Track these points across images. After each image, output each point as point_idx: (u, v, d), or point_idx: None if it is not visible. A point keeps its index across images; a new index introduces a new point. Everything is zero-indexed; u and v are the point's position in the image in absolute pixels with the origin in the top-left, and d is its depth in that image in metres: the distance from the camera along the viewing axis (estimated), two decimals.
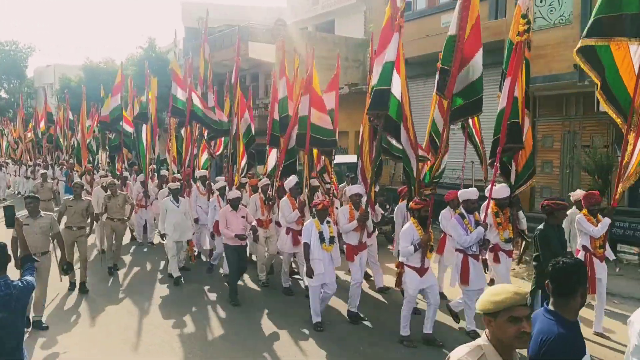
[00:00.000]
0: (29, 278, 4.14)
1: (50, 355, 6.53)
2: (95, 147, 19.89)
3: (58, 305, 8.43)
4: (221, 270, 10.23)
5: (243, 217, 8.65)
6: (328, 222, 7.52)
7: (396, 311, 7.09)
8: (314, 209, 7.65)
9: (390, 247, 12.05)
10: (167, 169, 14.06)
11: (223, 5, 32.53)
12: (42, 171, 17.16)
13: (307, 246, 7.31)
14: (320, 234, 7.33)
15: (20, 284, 4.02)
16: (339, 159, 14.80)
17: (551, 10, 12.28)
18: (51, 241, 7.65)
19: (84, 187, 15.07)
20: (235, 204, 8.61)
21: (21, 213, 7.05)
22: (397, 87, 7.26)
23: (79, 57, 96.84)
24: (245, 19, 28.70)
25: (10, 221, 4.70)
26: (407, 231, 6.68)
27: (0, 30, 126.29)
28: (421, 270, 6.71)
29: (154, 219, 12.80)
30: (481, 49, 6.72)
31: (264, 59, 22.13)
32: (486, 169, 9.04)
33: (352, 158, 11.60)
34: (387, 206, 11.89)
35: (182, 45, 33.48)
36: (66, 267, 7.85)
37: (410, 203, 7.01)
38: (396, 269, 7.07)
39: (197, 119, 11.63)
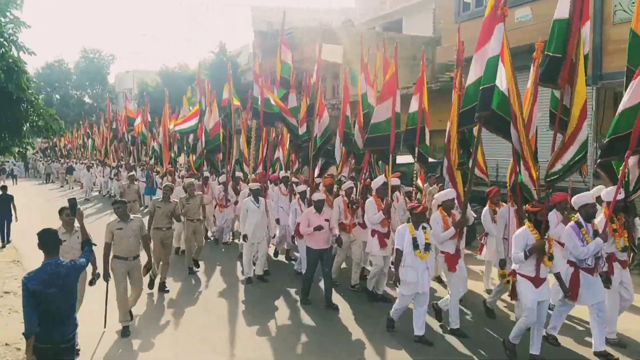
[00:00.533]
0: (82, 260, 4.90)
1: (132, 355, 6.72)
2: (177, 149, 20.38)
3: (138, 304, 8.54)
4: (296, 267, 10.37)
5: (326, 220, 8.42)
6: (424, 227, 6.99)
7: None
8: (411, 213, 7.08)
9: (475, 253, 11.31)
10: (241, 170, 14.28)
11: (291, 9, 32.99)
12: (129, 173, 17.53)
13: (399, 253, 6.89)
14: (414, 239, 6.82)
15: (69, 264, 4.67)
16: (402, 159, 14.56)
17: (633, 2, 11.62)
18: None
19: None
20: (319, 205, 8.42)
21: (111, 219, 7.33)
22: (502, 81, 6.63)
23: (155, 63, 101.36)
24: (312, 21, 28.98)
25: (73, 211, 5.61)
26: (521, 236, 6.16)
27: (86, 39, 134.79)
28: (536, 281, 6.11)
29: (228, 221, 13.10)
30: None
31: (332, 60, 22.24)
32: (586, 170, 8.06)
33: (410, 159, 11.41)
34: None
35: (251, 49, 34.33)
36: (149, 269, 7.97)
37: (526, 206, 6.54)
38: (506, 278, 6.56)
39: (278, 118, 11.70)
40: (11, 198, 13.69)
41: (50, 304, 4.46)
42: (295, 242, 10.33)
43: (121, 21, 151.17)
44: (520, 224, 6.96)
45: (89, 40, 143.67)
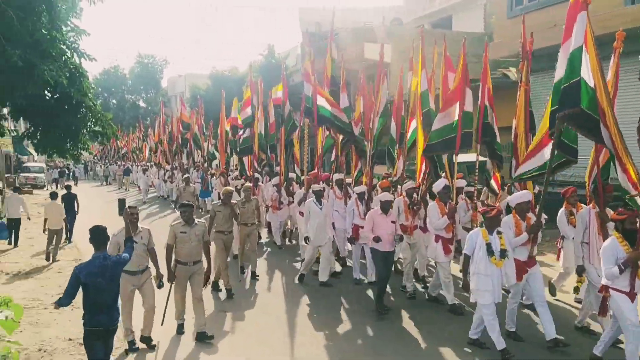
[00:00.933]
0: (124, 255, 5.61)
1: (192, 356, 6.75)
2: (230, 150, 20.43)
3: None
4: (356, 276, 10.07)
5: (393, 222, 8.17)
6: (499, 232, 6.54)
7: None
8: (484, 217, 6.62)
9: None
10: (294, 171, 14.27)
11: (338, 9, 32.95)
12: (185, 175, 17.38)
13: (467, 258, 6.56)
14: (488, 245, 6.37)
15: (115, 258, 5.43)
16: (462, 157, 14.19)
17: None
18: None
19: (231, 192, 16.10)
20: (386, 207, 8.15)
21: (176, 221, 7.32)
22: (589, 75, 6.13)
23: (206, 67, 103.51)
24: (360, 20, 28.85)
25: (121, 211, 6.77)
26: (609, 248, 5.71)
27: (140, 45, 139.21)
28: (631, 295, 5.69)
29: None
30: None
31: (379, 59, 22.06)
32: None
33: (472, 157, 11.05)
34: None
35: (299, 50, 34.49)
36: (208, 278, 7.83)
37: (612, 214, 6.17)
38: (602, 293, 5.97)
39: (326, 121, 11.52)
40: (75, 196, 14.50)
41: (98, 293, 5.18)
42: (351, 247, 10.10)
43: (173, 26, 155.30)
44: (602, 227, 6.62)
45: (143, 46, 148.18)
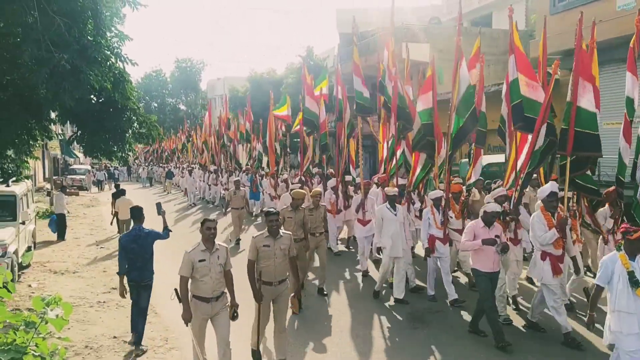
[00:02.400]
0: (163, 233, 7.23)
1: None
2: (280, 151, 19.56)
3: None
4: (431, 292, 8.95)
5: (497, 236, 6.90)
6: None
7: None
8: (624, 238, 5.29)
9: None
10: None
11: (376, 9, 32.84)
12: (235, 178, 15.95)
13: (598, 291, 5.33)
14: (631, 274, 5.04)
15: (149, 230, 7.08)
16: (488, 158, 13.95)
17: None
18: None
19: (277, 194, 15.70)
20: (491, 219, 6.94)
21: (258, 234, 6.27)
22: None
23: (244, 69, 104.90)
24: (399, 20, 28.67)
25: (159, 211, 7.30)
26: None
27: (178, 49, 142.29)
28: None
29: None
30: None
31: (418, 58, 21.90)
32: None
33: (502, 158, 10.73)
34: None
35: (336, 51, 34.53)
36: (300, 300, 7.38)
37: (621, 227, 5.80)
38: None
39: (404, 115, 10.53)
40: (124, 192, 15.92)
41: (133, 255, 6.86)
42: (428, 259, 8.95)
43: (212, 30, 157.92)
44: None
45: (182, 50, 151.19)
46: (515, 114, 7.97)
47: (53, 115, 12.62)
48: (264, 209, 17.29)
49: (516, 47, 8.06)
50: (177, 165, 37.44)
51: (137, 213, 7.20)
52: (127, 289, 6.96)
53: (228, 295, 5.81)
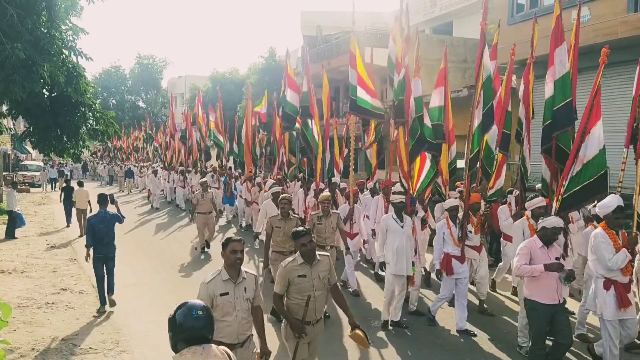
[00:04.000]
0: (120, 215, 8.74)
1: None
2: (259, 153, 18.16)
3: None
4: (464, 326, 7.42)
5: (557, 258, 5.61)
6: None
7: None
8: None
9: None
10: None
11: (338, 13, 33.03)
12: (201, 179, 14.59)
13: None
14: None
15: (111, 213, 8.54)
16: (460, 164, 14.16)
17: None
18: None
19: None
20: (552, 237, 5.63)
21: (289, 261, 4.75)
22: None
23: (207, 68, 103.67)
24: (362, 24, 28.89)
25: (112, 201, 8.80)
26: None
27: (140, 45, 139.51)
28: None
29: None
30: None
31: (379, 63, 22.09)
32: None
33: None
34: None
35: (300, 53, 34.56)
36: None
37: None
38: None
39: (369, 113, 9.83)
40: (73, 189, 16.56)
41: (100, 233, 8.26)
42: (440, 278, 7.63)
43: (174, 27, 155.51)
44: None
45: (143, 47, 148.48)
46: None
47: (4, 108, 12.19)
48: (240, 217, 16.39)
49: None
50: (137, 164, 36.27)
51: (102, 199, 8.62)
52: (92, 257, 8.36)
53: (256, 339, 4.43)
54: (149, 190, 24.45)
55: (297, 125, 13.17)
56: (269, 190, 10.72)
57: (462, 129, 9.32)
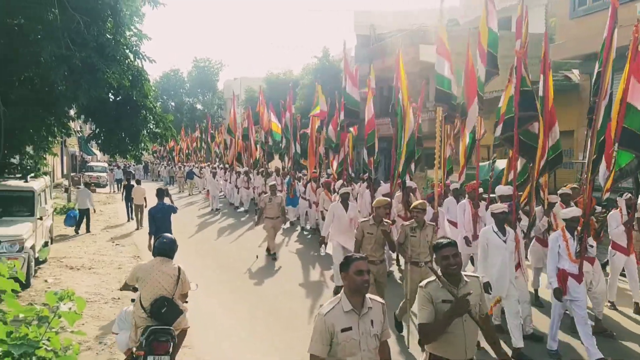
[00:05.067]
0: (175, 207, 10.34)
1: None
2: (322, 153, 17.33)
3: None
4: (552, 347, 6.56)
5: None
6: None
7: None
8: None
9: None
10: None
11: (393, 12, 32.81)
12: (271, 182, 13.86)
13: None
14: None
15: (168, 205, 10.02)
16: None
17: None
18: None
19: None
20: None
21: (429, 281, 3.79)
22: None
23: (262, 70, 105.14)
24: (415, 22, 28.54)
25: (166, 193, 10.19)
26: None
27: (196, 48, 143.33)
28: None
29: None
30: None
31: (433, 61, 21.65)
32: None
33: None
34: None
35: (353, 53, 34.54)
36: None
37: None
38: None
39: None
40: (132, 187, 18.12)
41: (158, 222, 9.55)
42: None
43: (229, 29, 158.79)
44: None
45: (199, 50, 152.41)
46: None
47: (72, 112, 12.80)
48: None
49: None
50: (196, 165, 36.73)
51: (160, 193, 10.11)
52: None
53: None
54: (207, 191, 23.99)
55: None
56: (338, 191, 10.20)
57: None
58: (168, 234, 5.76)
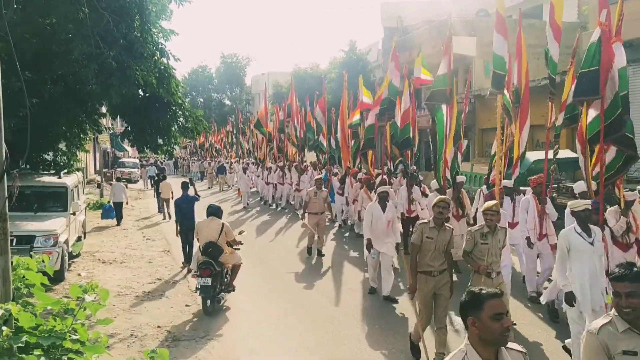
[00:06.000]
0: (197, 197, 11.41)
1: None
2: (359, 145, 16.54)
3: None
4: None
5: None
6: None
7: None
8: None
9: None
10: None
11: (421, 2, 32.38)
12: (317, 176, 13.45)
13: None
14: None
15: (191, 195, 11.11)
16: (535, 155, 13.38)
17: None
18: None
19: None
20: None
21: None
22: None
23: (288, 65, 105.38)
24: (444, 13, 28.14)
25: (191, 183, 11.49)
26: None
27: (223, 44, 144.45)
28: None
29: None
30: None
31: (464, 52, 21.34)
32: None
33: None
34: None
35: (381, 46, 34.26)
36: None
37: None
38: None
39: None
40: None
41: (183, 210, 10.81)
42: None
43: (255, 24, 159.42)
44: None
45: (226, 45, 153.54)
46: None
47: (103, 109, 13.06)
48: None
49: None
50: (230, 160, 36.70)
51: (184, 185, 11.29)
52: (179, 230, 10.88)
53: None
54: (239, 189, 22.78)
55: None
56: (376, 189, 9.50)
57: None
58: (214, 204, 8.76)
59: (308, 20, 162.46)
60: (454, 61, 12.25)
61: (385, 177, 12.77)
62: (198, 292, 7.98)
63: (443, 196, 6.47)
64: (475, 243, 6.01)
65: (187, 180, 11.64)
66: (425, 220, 6.22)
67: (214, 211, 8.45)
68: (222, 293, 8.26)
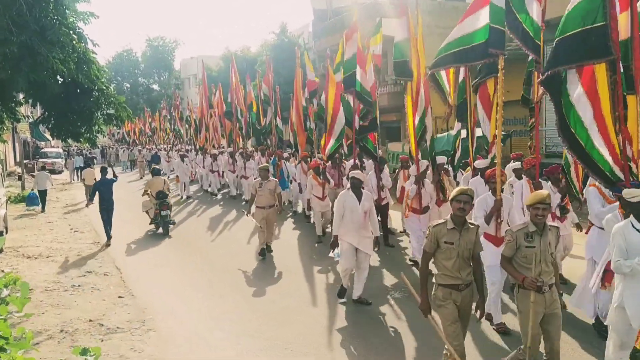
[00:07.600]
0: (114, 179, 12.88)
1: None
2: (313, 126, 16.08)
3: None
4: None
5: None
6: None
7: None
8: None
9: None
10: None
11: None
12: (261, 165, 11.41)
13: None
14: None
15: (109, 178, 12.55)
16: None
17: None
18: None
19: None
20: None
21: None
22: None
23: (219, 48, 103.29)
24: None
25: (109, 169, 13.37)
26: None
27: (150, 27, 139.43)
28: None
29: None
30: None
31: (393, 34, 21.60)
32: None
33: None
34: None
35: (311, 28, 34.22)
36: None
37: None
38: None
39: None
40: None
41: (102, 193, 12.16)
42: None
43: (183, 7, 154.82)
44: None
45: (153, 29, 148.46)
46: None
47: (20, 96, 12.35)
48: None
49: None
50: (164, 148, 35.39)
51: (104, 169, 12.78)
52: (100, 209, 12.29)
53: None
54: (177, 177, 20.71)
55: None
56: (348, 174, 8.58)
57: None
58: (156, 166, 13.76)
59: (237, 1, 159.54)
60: (384, 43, 12.21)
61: (357, 161, 11.61)
62: (158, 222, 13.15)
63: (465, 187, 4.98)
64: (518, 246, 4.64)
65: (106, 165, 13.86)
66: (441, 221, 4.83)
67: (157, 172, 13.91)
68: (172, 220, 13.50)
